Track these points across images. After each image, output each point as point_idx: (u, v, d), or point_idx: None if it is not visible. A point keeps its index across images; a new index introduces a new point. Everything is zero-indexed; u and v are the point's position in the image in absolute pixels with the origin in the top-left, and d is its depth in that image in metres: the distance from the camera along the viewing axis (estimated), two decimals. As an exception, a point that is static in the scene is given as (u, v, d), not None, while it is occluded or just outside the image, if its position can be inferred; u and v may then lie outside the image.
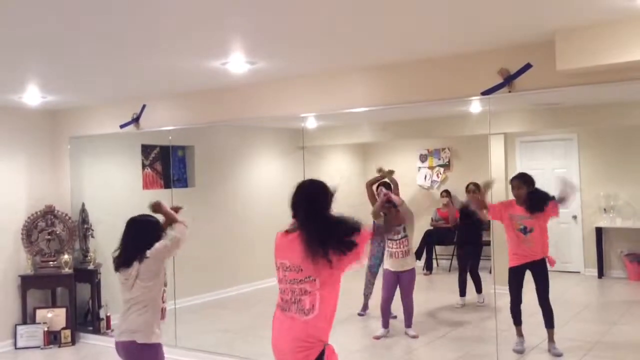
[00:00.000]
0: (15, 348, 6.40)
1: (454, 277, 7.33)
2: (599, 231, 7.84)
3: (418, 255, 8.08)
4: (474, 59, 4.39)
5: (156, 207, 3.92)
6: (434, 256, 8.48)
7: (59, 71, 4.75)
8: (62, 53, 4.08)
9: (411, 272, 5.94)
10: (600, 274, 7.85)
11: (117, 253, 3.69)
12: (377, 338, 5.99)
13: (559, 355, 5.21)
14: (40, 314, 6.55)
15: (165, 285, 3.77)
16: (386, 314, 6.06)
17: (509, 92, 4.20)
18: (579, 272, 8.01)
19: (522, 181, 5.33)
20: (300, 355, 2.83)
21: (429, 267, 8.34)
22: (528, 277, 5.37)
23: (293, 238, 2.91)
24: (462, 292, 7.05)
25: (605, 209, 7.90)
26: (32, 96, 5.79)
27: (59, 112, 6.91)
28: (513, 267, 5.35)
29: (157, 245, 3.63)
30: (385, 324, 6.05)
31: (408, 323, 6.03)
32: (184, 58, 4.36)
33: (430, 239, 8.25)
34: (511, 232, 5.35)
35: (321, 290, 2.85)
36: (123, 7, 3.10)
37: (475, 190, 6.67)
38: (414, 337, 5.95)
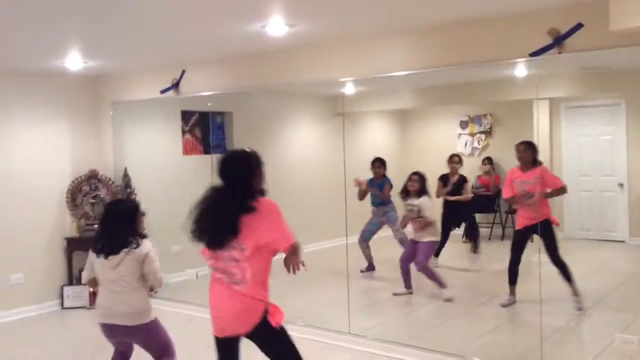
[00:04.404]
0: (62, 308, 6.62)
1: (494, 245, 7.23)
2: (646, 199, 7.63)
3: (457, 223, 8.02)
4: (521, 19, 4.22)
5: None
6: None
7: (100, 37, 4.76)
8: (104, 19, 4.08)
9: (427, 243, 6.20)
10: (646, 243, 7.67)
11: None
12: (396, 294, 6.33)
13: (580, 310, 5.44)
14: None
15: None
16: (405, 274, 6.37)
17: (559, 53, 4.04)
18: (623, 242, 7.84)
19: (527, 146, 5.50)
20: (243, 316, 2.96)
21: (468, 234, 8.24)
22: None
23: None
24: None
25: (653, 177, 7.67)
26: (74, 61, 5.84)
27: (101, 78, 6.98)
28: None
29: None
30: (407, 285, 6.36)
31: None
32: (224, 21, 4.32)
33: (471, 207, 8.13)
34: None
35: (250, 260, 2.94)
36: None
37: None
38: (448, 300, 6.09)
